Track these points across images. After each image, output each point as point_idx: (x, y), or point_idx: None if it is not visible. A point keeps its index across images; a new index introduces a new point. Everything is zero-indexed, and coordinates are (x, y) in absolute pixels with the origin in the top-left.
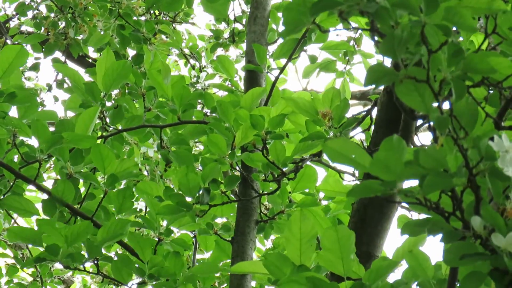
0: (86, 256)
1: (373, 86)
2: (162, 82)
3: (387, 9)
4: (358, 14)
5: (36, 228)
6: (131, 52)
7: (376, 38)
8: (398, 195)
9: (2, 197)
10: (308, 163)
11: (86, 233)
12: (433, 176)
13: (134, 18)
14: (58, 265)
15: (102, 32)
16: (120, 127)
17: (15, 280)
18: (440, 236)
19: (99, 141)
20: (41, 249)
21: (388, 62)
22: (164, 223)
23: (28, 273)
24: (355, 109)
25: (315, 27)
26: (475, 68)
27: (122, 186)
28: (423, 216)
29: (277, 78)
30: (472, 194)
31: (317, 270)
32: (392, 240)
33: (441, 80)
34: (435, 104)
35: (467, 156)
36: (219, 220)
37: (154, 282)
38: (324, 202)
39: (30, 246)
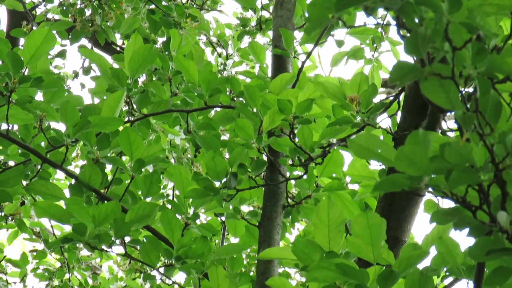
0: (114, 239)
1: None
2: (189, 66)
3: (411, 5)
4: (383, 8)
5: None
6: (160, 40)
7: (401, 33)
8: (425, 189)
9: (29, 181)
10: (335, 148)
11: (114, 214)
12: (459, 171)
13: (164, 3)
14: (85, 252)
15: (130, 17)
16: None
17: (42, 267)
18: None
19: (126, 125)
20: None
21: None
22: (192, 209)
23: (56, 259)
24: (379, 97)
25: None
26: (498, 69)
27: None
28: (449, 201)
29: (304, 62)
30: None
31: (346, 256)
32: (419, 224)
33: (466, 77)
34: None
35: (493, 152)
36: (246, 209)
37: (181, 265)
38: (351, 186)
39: (57, 233)
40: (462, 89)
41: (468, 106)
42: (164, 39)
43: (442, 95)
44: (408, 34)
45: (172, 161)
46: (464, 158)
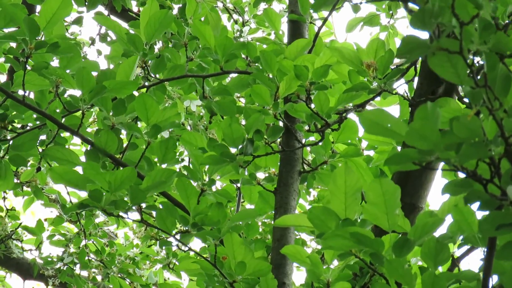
0: (130, 205)
1: None
2: (205, 31)
3: None
4: None
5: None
6: (176, 7)
7: (409, 7)
8: (436, 162)
9: (45, 147)
10: (352, 113)
11: (130, 180)
12: (468, 145)
13: None
14: (101, 219)
15: None
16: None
17: (58, 235)
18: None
19: (141, 90)
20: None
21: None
22: (208, 176)
23: (71, 222)
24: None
25: None
26: (504, 46)
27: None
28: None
29: (320, 27)
30: None
31: (362, 224)
32: (436, 191)
33: (474, 52)
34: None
35: (503, 126)
36: (262, 176)
37: (197, 232)
38: (367, 153)
39: (74, 201)
40: (470, 63)
41: (477, 80)
42: (180, 5)
43: (450, 70)
44: (413, 13)
45: (188, 128)
46: (473, 132)
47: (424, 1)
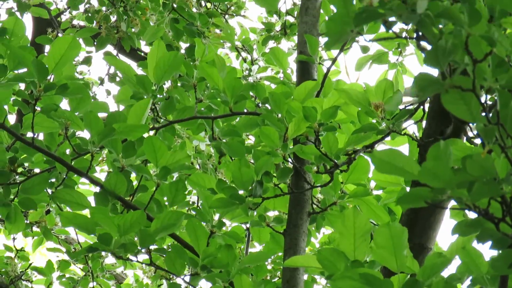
0: (139, 248)
1: None
2: (213, 73)
3: (430, 18)
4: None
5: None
6: (184, 46)
7: (422, 45)
8: (447, 201)
9: (54, 190)
10: (361, 154)
11: (139, 223)
12: (481, 184)
13: (188, 11)
14: (109, 260)
15: (154, 26)
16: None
17: (67, 276)
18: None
19: (151, 132)
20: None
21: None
22: (217, 216)
23: (80, 268)
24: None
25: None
26: None
27: (174, 179)
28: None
29: (329, 69)
30: None
31: (371, 265)
32: (445, 231)
33: (486, 89)
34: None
35: None
36: (271, 214)
37: (207, 274)
38: (376, 193)
39: (82, 240)
40: (483, 101)
41: (490, 118)
42: (187, 45)
43: (463, 107)
44: (428, 47)
45: (197, 167)
46: (485, 170)
47: (437, 38)
